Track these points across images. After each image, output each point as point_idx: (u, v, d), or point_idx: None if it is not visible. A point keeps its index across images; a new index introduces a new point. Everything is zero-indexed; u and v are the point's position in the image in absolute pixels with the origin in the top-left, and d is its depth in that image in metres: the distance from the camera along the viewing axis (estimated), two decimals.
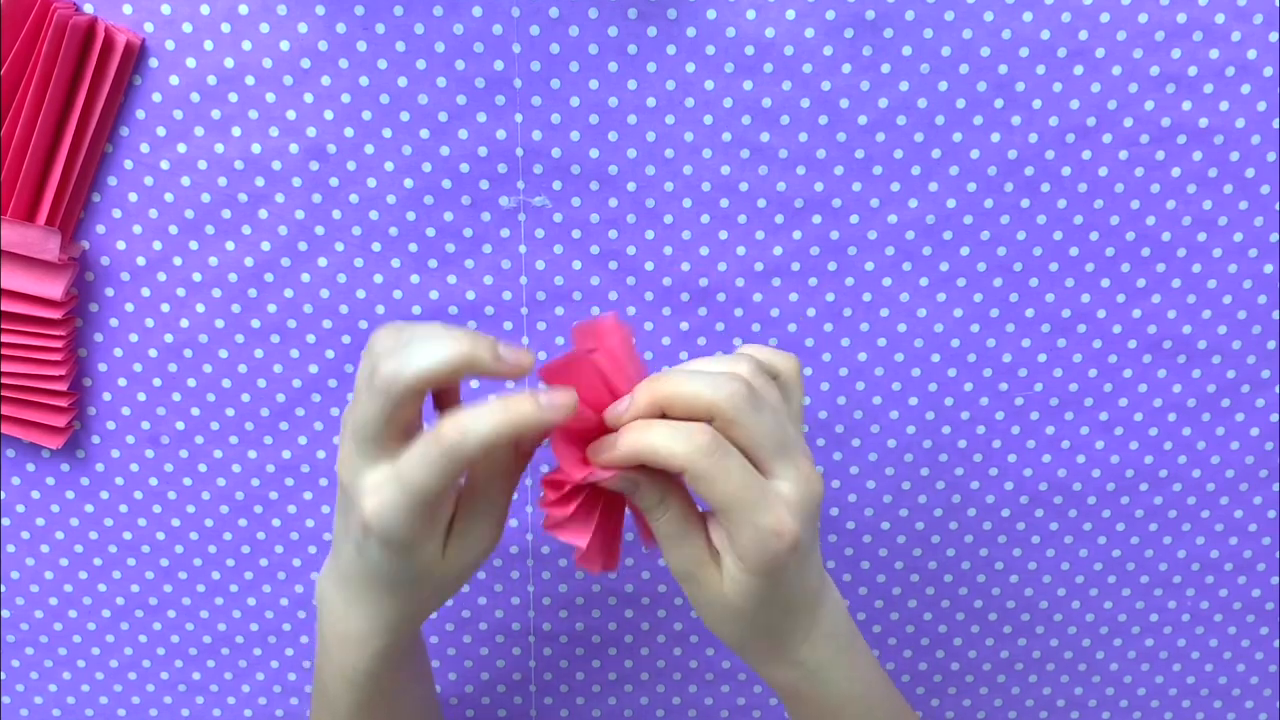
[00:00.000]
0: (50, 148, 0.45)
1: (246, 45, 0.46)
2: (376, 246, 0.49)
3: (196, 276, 0.49)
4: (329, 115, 0.47)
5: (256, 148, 0.47)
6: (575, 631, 0.55)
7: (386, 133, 0.47)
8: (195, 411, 0.51)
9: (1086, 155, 0.48)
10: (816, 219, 0.49)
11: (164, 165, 0.47)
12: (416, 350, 0.31)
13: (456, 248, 0.49)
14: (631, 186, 0.48)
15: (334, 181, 0.48)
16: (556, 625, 0.55)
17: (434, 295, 0.49)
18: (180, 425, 0.51)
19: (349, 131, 0.47)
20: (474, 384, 0.51)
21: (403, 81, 0.46)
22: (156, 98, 0.46)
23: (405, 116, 0.47)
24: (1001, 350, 0.51)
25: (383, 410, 0.32)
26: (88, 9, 0.45)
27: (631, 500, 0.35)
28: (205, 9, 0.45)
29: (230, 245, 0.48)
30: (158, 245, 0.48)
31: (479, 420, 0.31)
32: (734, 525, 0.33)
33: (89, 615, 0.54)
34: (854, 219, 0.49)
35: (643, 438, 0.33)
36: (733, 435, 0.33)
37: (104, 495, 0.52)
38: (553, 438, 0.36)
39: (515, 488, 0.36)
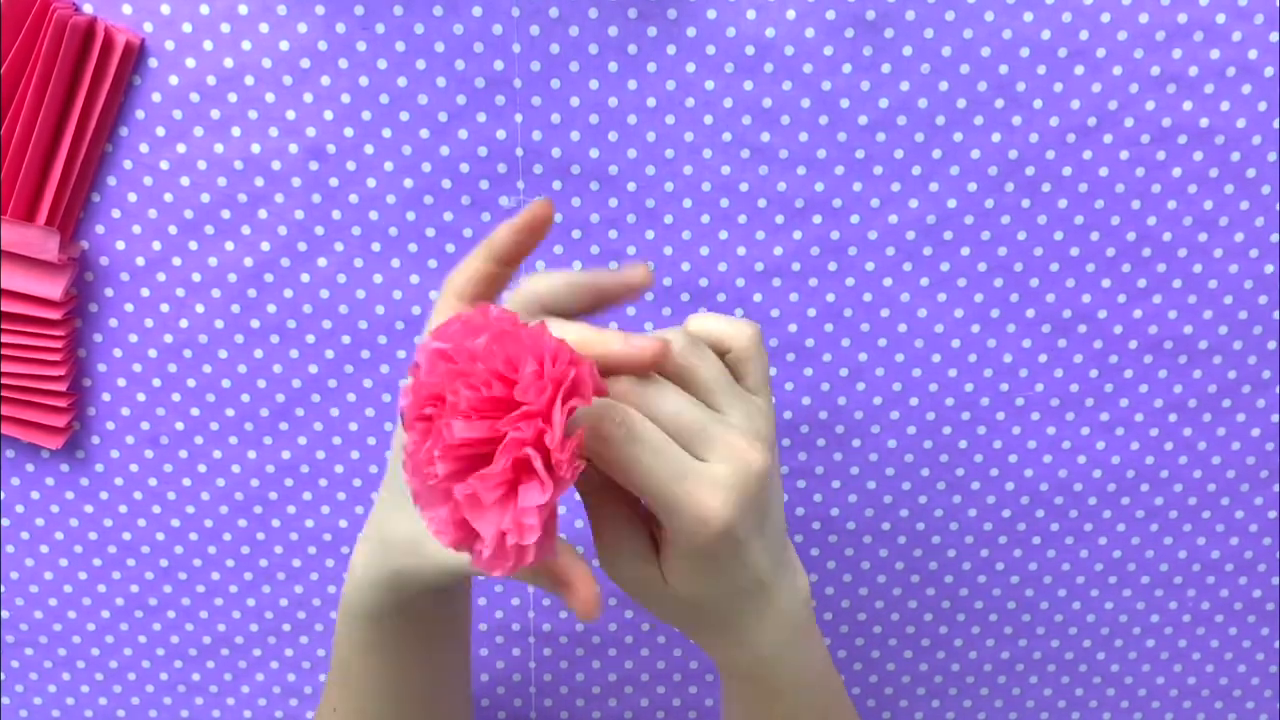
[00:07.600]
0: (50, 148, 0.45)
1: (246, 45, 0.46)
2: (376, 246, 0.49)
3: (196, 276, 0.49)
4: (329, 115, 0.47)
5: (256, 148, 0.47)
6: (575, 632, 0.55)
7: (386, 133, 0.47)
8: (195, 411, 0.51)
9: (1087, 155, 0.48)
10: (816, 219, 0.49)
11: (164, 165, 0.47)
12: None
13: (456, 248, 0.49)
14: (631, 186, 0.48)
15: (334, 181, 0.48)
16: (556, 626, 0.55)
17: (434, 295, 0.49)
18: (180, 425, 0.51)
19: (349, 131, 0.47)
20: None
21: (403, 81, 0.46)
22: (156, 98, 0.46)
23: (405, 116, 0.47)
24: (1002, 350, 0.51)
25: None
26: (87, 9, 0.45)
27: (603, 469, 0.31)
28: (205, 9, 0.45)
29: (230, 245, 0.48)
30: (157, 245, 0.48)
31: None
32: (660, 512, 0.31)
33: (89, 615, 0.54)
34: (854, 219, 0.49)
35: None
36: (653, 408, 0.31)
37: (104, 495, 0.52)
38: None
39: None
